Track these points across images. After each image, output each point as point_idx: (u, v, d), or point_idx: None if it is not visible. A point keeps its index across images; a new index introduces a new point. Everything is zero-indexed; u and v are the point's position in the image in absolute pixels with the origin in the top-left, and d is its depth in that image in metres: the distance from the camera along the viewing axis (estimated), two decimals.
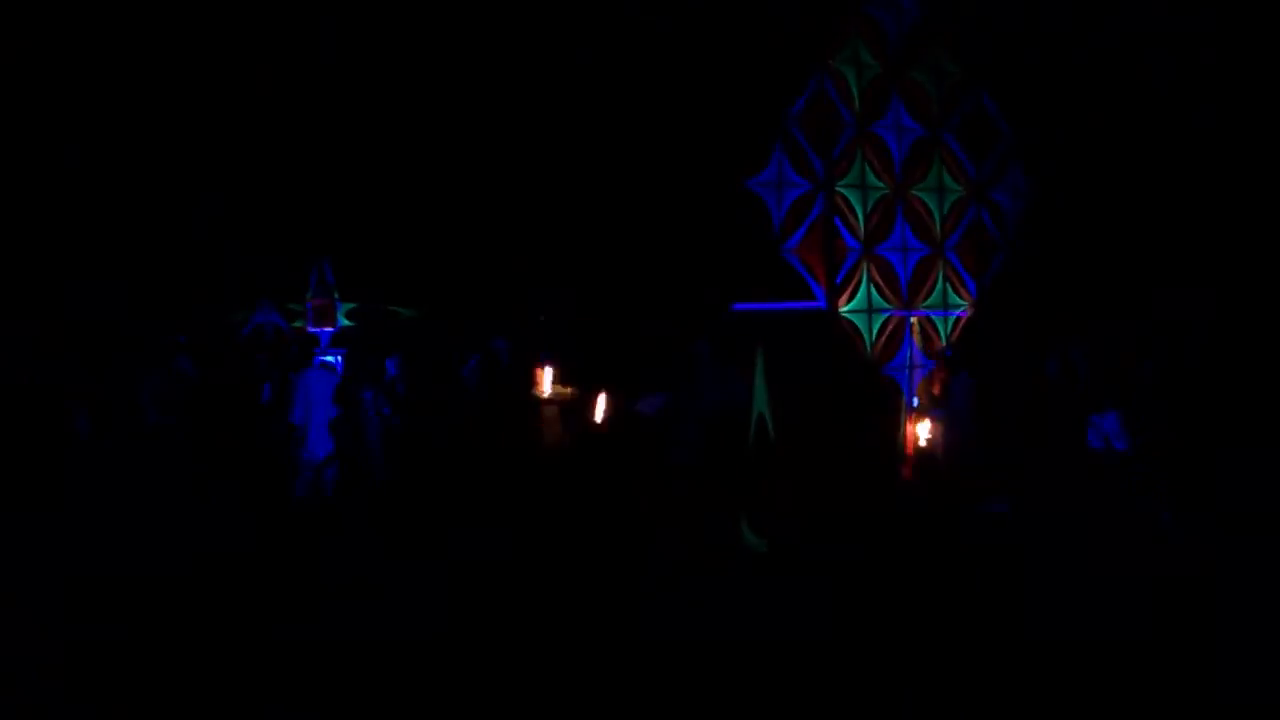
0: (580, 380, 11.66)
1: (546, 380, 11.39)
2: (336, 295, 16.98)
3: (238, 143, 16.40)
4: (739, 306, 11.33)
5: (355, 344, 16.54)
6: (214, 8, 16.02)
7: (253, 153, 16.45)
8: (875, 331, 11.78)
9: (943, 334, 12.28)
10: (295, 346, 13.74)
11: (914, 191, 12.09)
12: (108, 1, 15.43)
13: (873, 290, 11.76)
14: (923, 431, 11.41)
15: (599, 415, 11.08)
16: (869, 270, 11.75)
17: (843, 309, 11.60)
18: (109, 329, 14.18)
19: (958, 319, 12.35)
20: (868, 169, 11.76)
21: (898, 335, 11.94)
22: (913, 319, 12.02)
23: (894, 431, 11.55)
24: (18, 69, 15.47)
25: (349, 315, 17.02)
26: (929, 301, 12.18)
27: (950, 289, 12.30)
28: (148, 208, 16.21)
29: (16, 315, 13.99)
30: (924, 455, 11.71)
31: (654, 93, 14.88)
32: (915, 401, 11.98)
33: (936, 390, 12.06)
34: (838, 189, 11.56)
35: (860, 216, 11.68)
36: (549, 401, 11.21)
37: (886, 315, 11.88)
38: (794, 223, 11.42)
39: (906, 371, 11.96)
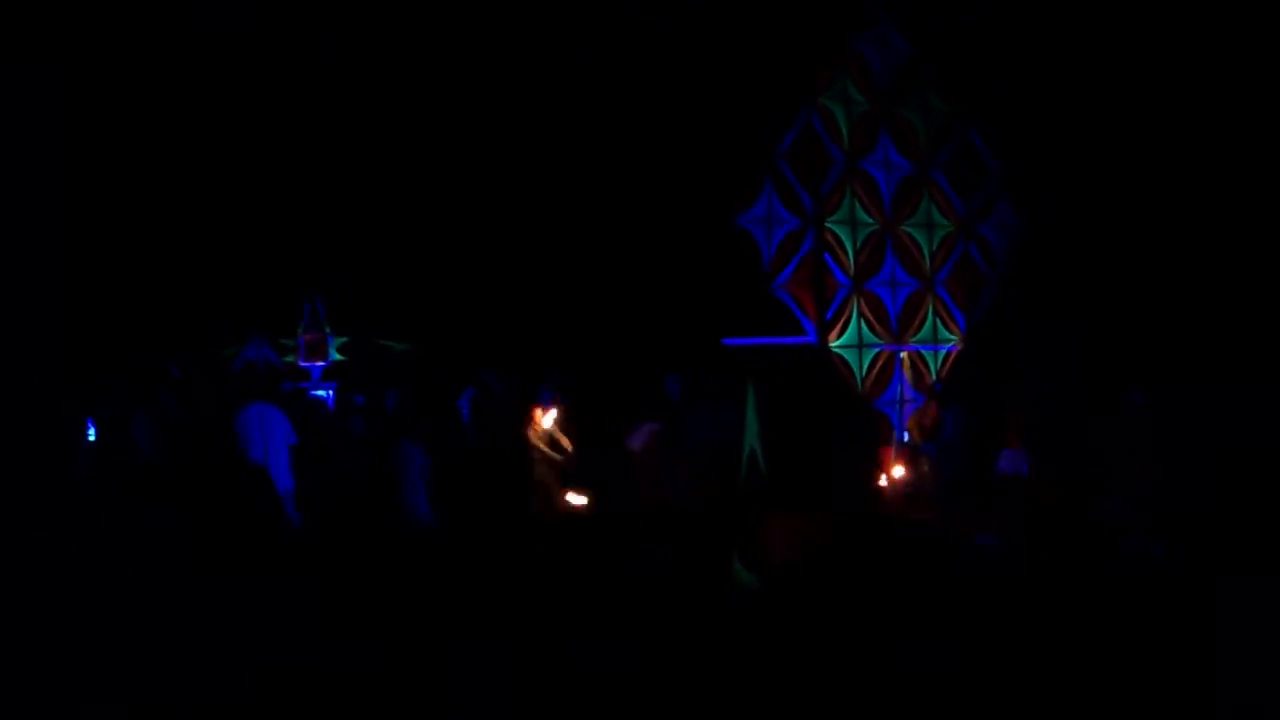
0: (573, 421, 11.61)
1: (546, 420, 11.27)
2: (328, 329, 17.02)
3: (230, 177, 16.44)
4: (729, 342, 11.37)
5: (347, 378, 16.58)
6: (209, 47, 16.10)
7: (245, 187, 16.48)
8: (866, 367, 11.82)
9: (933, 368, 12.33)
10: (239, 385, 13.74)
11: (903, 227, 12.18)
12: (92, 40, 15.49)
13: (863, 325, 11.82)
14: (899, 469, 11.45)
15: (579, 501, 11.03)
16: (859, 305, 11.81)
17: (833, 344, 11.65)
18: (100, 363, 14.16)
19: (948, 353, 12.40)
20: (857, 205, 11.84)
21: (888, 370, 11.99)
22: (903, 354, 12.07)
23: (878, 465, 11.58)
24: None
25: (340, 350, 17.05)
26: (919, 336, 12.24)
27: (940, 323, 12.36)
28: (140, 242, 16.22)
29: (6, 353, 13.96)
30: (913, 489, 11.74)
31: (643, 130, 14.95)
32: (906, 436, 12.02)
33: (928, 424, 12.10)
34: (827, 225, 11.63)
35: (850, 252, 11.75)
36: (543, 458, 11.12)
37: (877, 350, 11.92)
38: (784, 258, 11.50)
39: (897, 406, 12.00)
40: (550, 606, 8.57)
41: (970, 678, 6.94)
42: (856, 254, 11.78)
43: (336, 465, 11.39)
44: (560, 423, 11.08)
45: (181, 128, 16.37)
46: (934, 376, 12.29)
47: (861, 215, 11.84)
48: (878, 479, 11.76)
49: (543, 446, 10.97)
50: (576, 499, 10.93)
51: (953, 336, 12.42)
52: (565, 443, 10.97)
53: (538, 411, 11.00)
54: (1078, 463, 10.77)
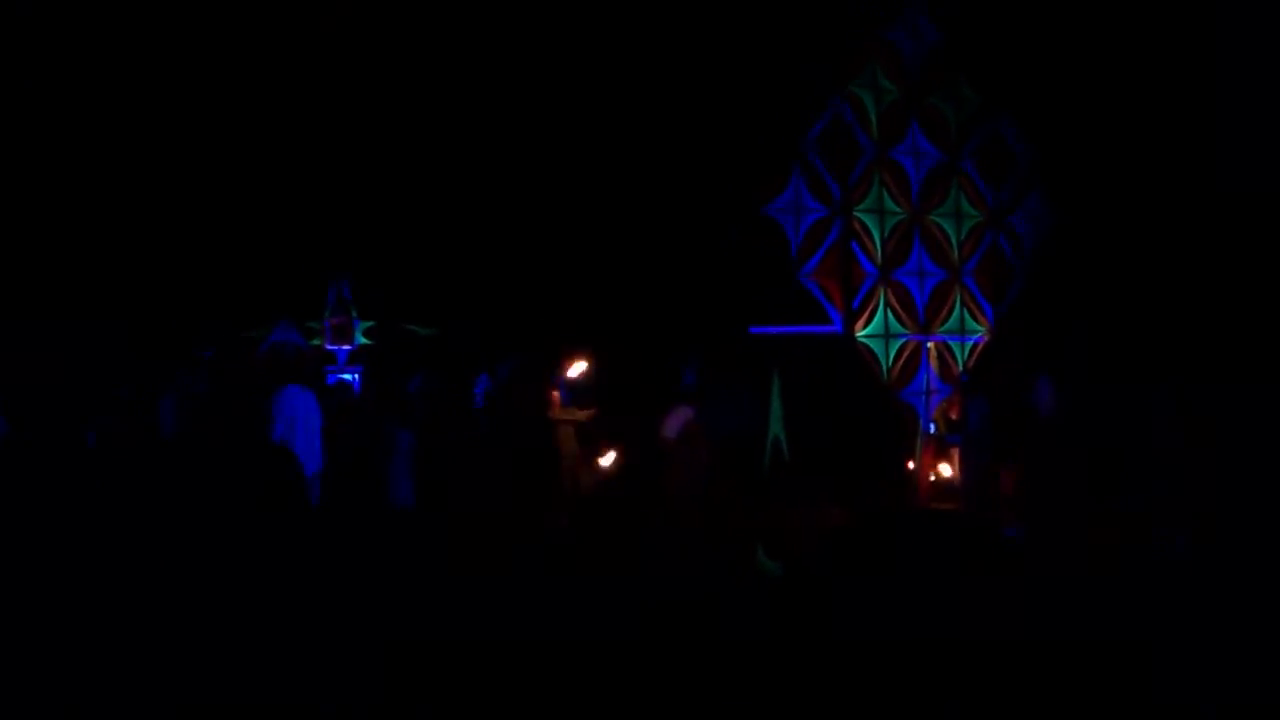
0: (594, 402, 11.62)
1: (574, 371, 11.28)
2: (354, 313, 17.08)
3: (257, 160, 16.49)
4: (756, 330, 11.34)
5: (373, 362, 16.64)
6: (239, 23, 16.13)
7: (272, 170, 16.53)
8: (892, 357, 11.76)
9: (959, 359, 12.26)
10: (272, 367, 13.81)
11: (931, 217, 12.09)
12: (130, 14, 15.54)
13: (890, 315, 11.75)
14: (943, 467, 11.38)
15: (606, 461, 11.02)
16: (886, 295, 11.74)
17: (859, 334, 11.60)
18: (128, 345, 14.26)
19: (974, 344, 12.33)
20: (885, 194, 11.76)
21: (914, 361, 11.92)
22: (929, 344, 12.00)
23: (908, 456, 11.53)
24: (31, 82, 15.60)
25: (366, 333, 17.10)
26: (946, 327, 12.16)
27: (967, 314, 12.28)
28: (167, 225, 16.30)
29: (36, 332, 14.07)
30: (941, 481, 11.70)
31: (671, 118, 14.91)
32: (933, 427, 11.96)
33: (954, 415, 12.04)
34: (855, 214, 11.56)
35: (877, 241, 11.68)
36: (563, 423, 11.16)
37: (903, 340, 11.86)
38: (811, 247, 11.43)
39: (923, 397, 11.94)
40: (567, 599, 8.58)
41: (995, 669, 6.92)
42: (884, 243, 11.70)
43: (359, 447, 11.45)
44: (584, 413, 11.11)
45: (212, 111, 16.43)
46: (960, 368, 12.22)
47: (889, 204, 11.76)
48: (903, 470, 11.72)
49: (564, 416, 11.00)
50: (604, 460, 10.95)
51: (980, 327, 12.35)
52: (580, 412, 11.01)
53: (554, 394, 11.02)
54: (1107, 458, 10.70)
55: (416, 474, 10.96)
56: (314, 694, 6.54)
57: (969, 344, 12.31)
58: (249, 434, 11.90)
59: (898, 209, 11.84)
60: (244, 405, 12.81)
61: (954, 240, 12.21)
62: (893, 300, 11.79)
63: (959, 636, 7.51)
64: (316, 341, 16.89)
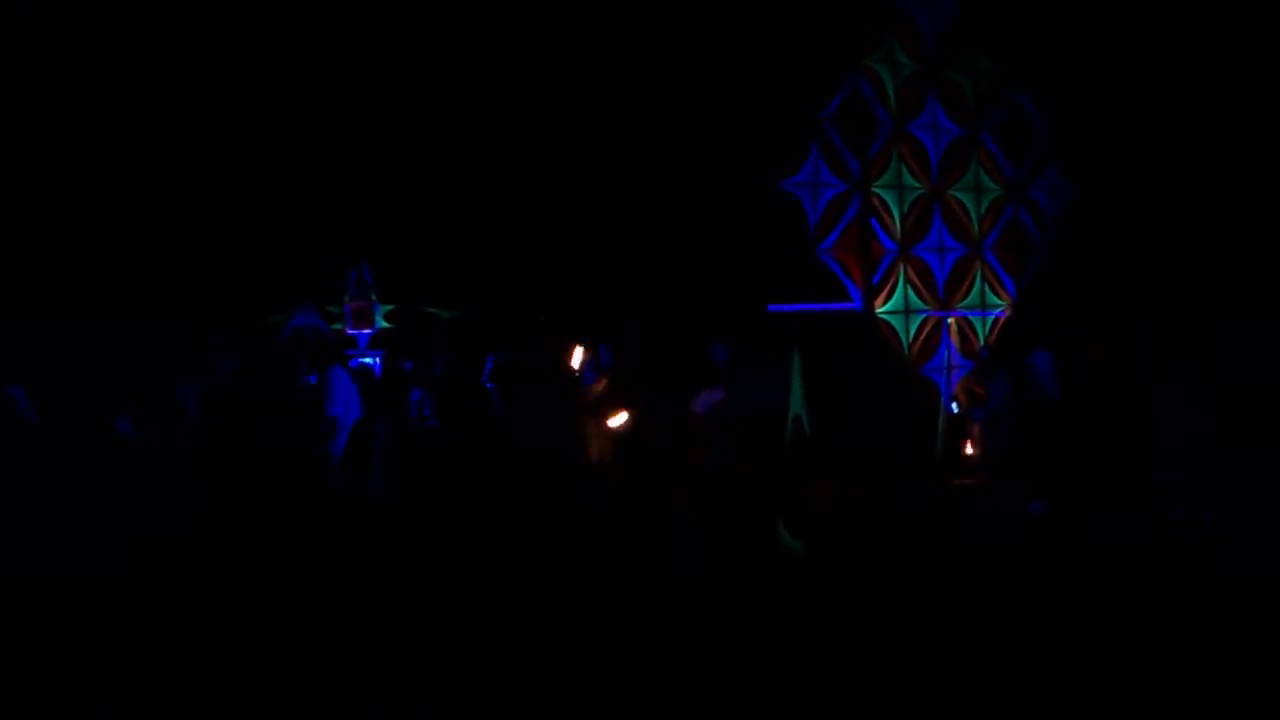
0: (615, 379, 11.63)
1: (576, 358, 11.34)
2: (374, 297, 17.09)
3: (277, 144, 16.50)
4: (775, 308, 11.30)
5: (394, 346, 16.67)
6: (260, 8, 16.14)
7: (291, 154, 16.55)
8: (912, 333, 11.72)
9: (980, 334, 12.20)
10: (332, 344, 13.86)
11: (951, 191, 12.03)
12: None
13: (909, 291, 11.71)
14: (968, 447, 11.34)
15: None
16: (906, 271, 11.69)
17: (879, 310, 11.55)
18: (148, 330, 14.31)
19: (995, 319, 12.26)
20: (904, 169, 11.71)
21: (935, 336, 11.87)
22: (950, 320, 11.95)
23: (931, 433, 11.49)
24: (61, 65, 15.66)
25: (387, 317, 17.12)
26: (966, 302, 12.11)
27: (988, 289, 12.22)
28: (186, 211, 16.35)
29: (56, 315, 14.15)
30: (966, 457, 11.66)
31: (690, 94, 14.86)
32: (955, 406, 11.92)
33: (978, 391, 12.00)
34: (874, 189, 11.51)
35: (897, 217, 11.63)
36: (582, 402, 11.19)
37: (924, 316, 11.82)
38: (830, 223, 11.39)
39: (944, 373, 11.89)
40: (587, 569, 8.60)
41: (1016, 646, 6.90)
42: (903, 219, 11.65)
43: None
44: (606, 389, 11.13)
45: (233, 95, 16.46)
46: (981, 343, 12.17)
47: (908, 179, 11.71)
48: (925, 447, 11.68)
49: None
50: (615, 420, 10.99)
51: (1001, 302, 12.28)
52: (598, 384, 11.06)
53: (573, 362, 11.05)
54: (1129, 430, 10.65)
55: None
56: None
57: (990, 319, 12.25)
58: (280, 417, 11.97)
59: (917, 184, 11.78)
60: (269, 390, 12.87)
61: (974, 215, 12.14)
62: (913, 276, 11.74)
63: (979, 612, 7.50)
64: (337, 326, 16.91)
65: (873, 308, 11.51)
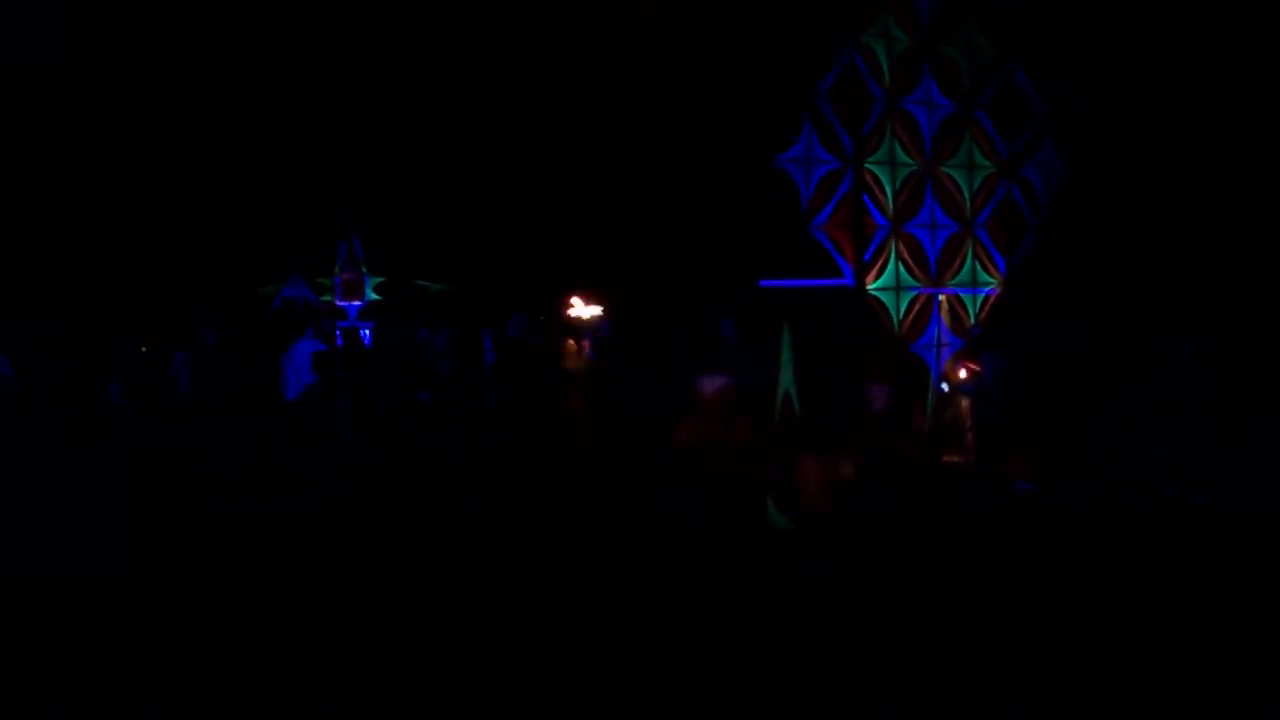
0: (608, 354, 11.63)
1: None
2: (365, 269, 17.02)
3: (267, 117, 16.42)
4: (766, 283, 11.28)
5: (384, 318, 16.61)
6: None
7: (281, 127, 16.47)
8: (903, 309, 11.68)
9: (971, 312, 12.17)
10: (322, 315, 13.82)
11: (944, 168, 11.97)
12: None
13: (901, 267, 11.66)
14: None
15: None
16: (897, 247, 11.64)
17: (870, 286, 11.52)
18: (137, 304, 14.28)
19: (986, 297, 12.24)
20: (897, 145, 11.64)
21: (925, 313, 11.84)
22: (941, 297, 11.92)
23: (919, 409, 11.48)
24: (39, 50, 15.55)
25: (377, 289, 17.05)
26: (958, 279, 12.06)
27: (979, 267, 12.18)
28: (176, 182, 16.28)
29: (48, 290, 14.10)
30: (955, 434, 11.65)
31: (682, 68, 14.79)
32: (944, 386, 11.90)
33: (974, 367, 11.99)
34: (867, 165, 11.45)
35: (889, 193, 11.56)
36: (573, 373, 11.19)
37: (914, 293, 11.78)
38: (822, 199, 11.32)
39: (934, 350, 11.87)
40: (577, 547, 8.60)
41: (1002, 623, 6.92)
42: (895, 195, 11.59)
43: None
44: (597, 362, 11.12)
45: (218, 68, 16.37)
46: (972, 320, 12.14)
47: (901, 156, 11.64)
48: (914, 422, 11.67)
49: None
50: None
51: (992, 280, 12.25)
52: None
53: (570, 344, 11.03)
54: (1123, 411, 10.67)
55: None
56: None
57: (981, 296, 12.22)
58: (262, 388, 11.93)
59: (910, 160, 11.71)
60: (258, 360, 12.84)
61: (966, 192, 12.08)
62: (904, 252, 11.68)
63: (969, 591, 7.51)
64: (327, 298, 16.84)
65: (864, 284, 11.47)
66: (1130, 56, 13.68)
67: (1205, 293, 12.07)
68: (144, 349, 13.29)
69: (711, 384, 10.94)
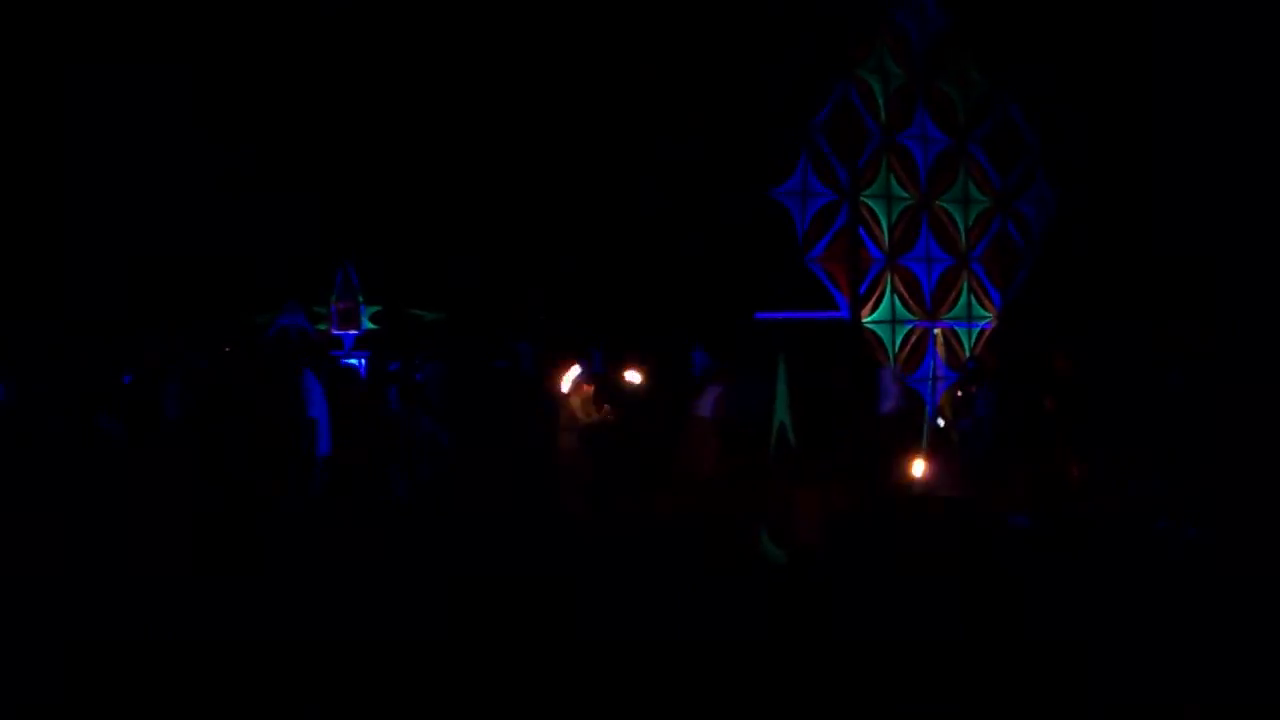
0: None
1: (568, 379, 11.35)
2: (361, 298, 17.05)
3: (264, 144, 16.48)
4: (761, 316, 11.30)
5: (379, 347, 16.62)
6: (248, 8, 16.12)
7: (279, 155, 16.52)
8: (898, 343, 11.72)
9: (966, 346, 12.20)
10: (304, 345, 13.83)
11: (939, 202, 12.03)
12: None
13: (896, 301, 11.71)
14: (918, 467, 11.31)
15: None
16: (893, 281, 11.69)
17: (866, 319, 11.55)
18: (132, 329, 14.27)
19: (982, 330, 12.27)
20: (893, 179, 11.70)
21: (921, 347, 11.88)
22: (936, 330, 11.96)
23: (909, 442, 11.49)
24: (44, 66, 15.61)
25: (373, 318, 17.07)
26: (953, 313, 12.11)
27: (974, 300, 12.23)
28: (175, 210, 16.31)
29: (40, 315, 14.10)
30: (945, 468, 11.65)
31: (679, 101, 14.87)
32: (940, 422, 11.92)
33: (964, 402, 12.00)
34: (862, 199, 11.51)
35: (885, 227, 11.63)
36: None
37: (910, 326, 11.82)
38: (818, 232, 11.39)
39: (930, 383, 11.90)
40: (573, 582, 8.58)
41: (996, 656, 6.90)
42: (891, 229, 11.65)
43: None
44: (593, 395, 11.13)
45: (219, 97, 16.43)
46: (967, 354, 12.17)
47: (897, 189, 11.70)
48: (909, 456, 11.67)
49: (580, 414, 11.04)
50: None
51: (987, 313, 12.29)
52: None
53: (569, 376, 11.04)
54: (1114, 441, 10.67)
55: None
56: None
57: (976, 330, 12.26)
58: (258, 416, 11.88)
59: (905, 194, 11.78)
60: (249, 389, 12.79)
61: (961, 226, 12.14)
62: (899, 286, 11.73)
63: (959, 628, 7.49)
64: (323, 326, 16.86)
65: (859, 317, 11.51)
66: (1123, 90, 13.78)
67: (1198, 323, 12.10)
68: (136, 375, 13.27)
69: (707, 400, 10.96)
